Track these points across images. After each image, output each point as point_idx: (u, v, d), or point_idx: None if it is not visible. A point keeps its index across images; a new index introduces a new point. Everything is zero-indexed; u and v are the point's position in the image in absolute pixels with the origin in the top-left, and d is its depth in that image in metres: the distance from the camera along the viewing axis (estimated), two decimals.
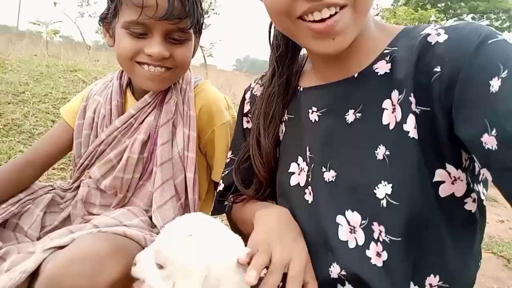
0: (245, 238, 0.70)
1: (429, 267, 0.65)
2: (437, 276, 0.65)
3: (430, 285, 0.65)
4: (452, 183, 0.62)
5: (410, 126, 0.62)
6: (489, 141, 0.51)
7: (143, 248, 0.76)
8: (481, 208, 0.66)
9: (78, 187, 1.11)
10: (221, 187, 0.97)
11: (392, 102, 0.65)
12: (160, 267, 0.60)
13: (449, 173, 0.62)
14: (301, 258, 0.67)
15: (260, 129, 0.85)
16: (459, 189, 0.62)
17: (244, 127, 0.96)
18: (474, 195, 0.64)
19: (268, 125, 0.85)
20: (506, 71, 0.52)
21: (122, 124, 1.04)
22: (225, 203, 0.97)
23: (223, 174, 0.97)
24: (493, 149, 0.51)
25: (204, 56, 9.32)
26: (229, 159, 0.97)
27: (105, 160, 1.04)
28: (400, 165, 0.63)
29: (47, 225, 1.05)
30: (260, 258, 0.62)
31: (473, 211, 0.65)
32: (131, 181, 1.03)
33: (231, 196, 0.95)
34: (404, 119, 0.63)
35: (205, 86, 1.12)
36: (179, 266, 0.57)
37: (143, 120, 1.04)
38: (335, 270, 0.68)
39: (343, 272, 0.67)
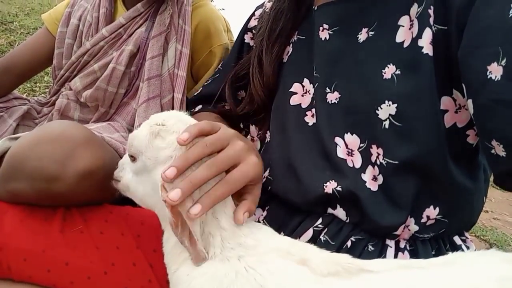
0: None
1: (430, 198, 0.60)
2: (437, 209, 0.60)
3: (428, 217, 0.61)
4: (456, 112, 0.58)
5: (425, 42, 0.57)
6: (496, 70, 0.47)
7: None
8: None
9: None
10: (196, 94, 0.91)
11: (410, 18, 0.60)
12: (133, 159, 0.53)
13: (454, 100, 0.57)
14: (254, 167, 0.54)
15: (263, 47, 0.78)
16: (462, 119, 0.58)
17: (246, 41, 0.88)
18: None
19: (272, 43, 0.78)
20: None
21: (110, 34, 0.95)
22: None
23: (205, 83, 0.91)
24: (496, 79, 0.47)
25: None
26: (217, 70, 0.90)
27: (88, 72, 0.95)
28: (409, 84, 0.58)
29: None
30: (196, 150, 0.48)
31: (475, 145, 0.61)
32: (115, 96, 0.94)
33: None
34: (420, 34, 0.58)
35: (204, 2, 1.02)
36: (151, 155, 0.50)
37: (133, 32, 0.95)
38: (330, 186, 0.63)
39: (338, 188, 0.62)
